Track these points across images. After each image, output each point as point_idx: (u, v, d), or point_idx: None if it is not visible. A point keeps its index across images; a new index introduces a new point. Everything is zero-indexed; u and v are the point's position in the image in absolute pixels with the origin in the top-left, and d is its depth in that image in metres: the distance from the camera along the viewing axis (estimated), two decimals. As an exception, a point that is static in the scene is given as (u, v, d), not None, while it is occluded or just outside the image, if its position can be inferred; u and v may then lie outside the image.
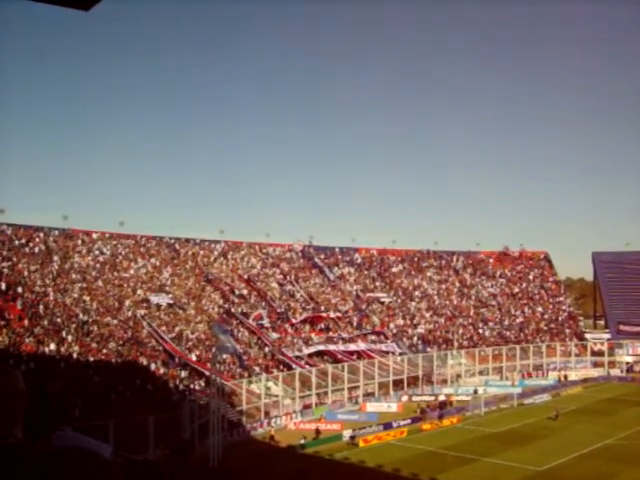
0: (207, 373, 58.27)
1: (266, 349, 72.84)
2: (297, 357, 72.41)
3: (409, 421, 60.40)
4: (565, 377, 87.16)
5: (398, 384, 75.51)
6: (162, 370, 60.41)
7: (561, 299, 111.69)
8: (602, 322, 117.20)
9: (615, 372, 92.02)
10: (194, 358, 64.12)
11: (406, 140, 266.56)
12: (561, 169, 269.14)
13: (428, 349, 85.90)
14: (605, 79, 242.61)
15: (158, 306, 71.89)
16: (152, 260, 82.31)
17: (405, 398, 72.93)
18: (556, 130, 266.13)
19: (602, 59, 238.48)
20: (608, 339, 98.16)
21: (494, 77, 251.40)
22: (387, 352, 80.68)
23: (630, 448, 50.28)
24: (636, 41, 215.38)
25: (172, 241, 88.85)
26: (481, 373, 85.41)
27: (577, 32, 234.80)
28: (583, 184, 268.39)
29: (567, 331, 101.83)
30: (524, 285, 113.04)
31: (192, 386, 59.68)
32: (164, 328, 67.88)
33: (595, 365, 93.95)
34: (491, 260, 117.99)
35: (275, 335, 75.84)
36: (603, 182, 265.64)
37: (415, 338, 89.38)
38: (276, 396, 63.86)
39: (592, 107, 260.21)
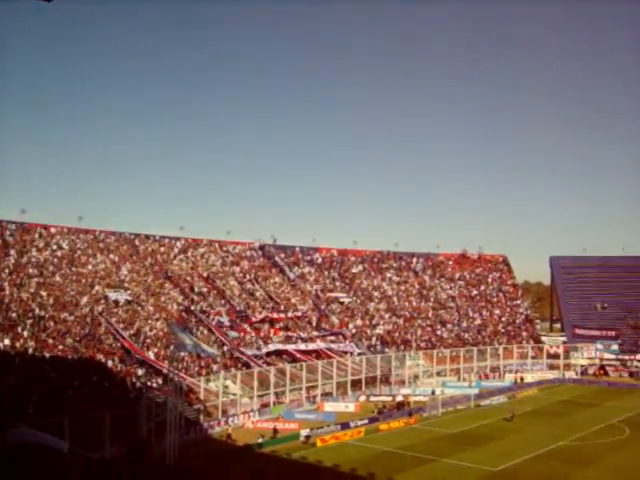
0: (165, 371, 57.80)
1: (225, 347, 72.52)
2: (256, 356, 72.25)
3: (366, 421, 60.59)
4: (521, 379, 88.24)
5: (356, 384, 75.71)
6: (119, 367, 59.81)
7: (518, 302, 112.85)
8: (558, 325, 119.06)
9: (570, 374, 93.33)
10: (152, 355, 63.61)
11: (370, 142, 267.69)
12: (519, 173, 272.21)
13: (386, 350, 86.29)
14: (570, 80, 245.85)
15: (116, 302, 71.13)
16: (111, 256, 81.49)
17: (363, 398, 73.17)
18: (515, 134, 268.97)
19: (569, 63, 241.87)
20: (564, 342, 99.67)
21: (470, 82, 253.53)
22: (346, 352, 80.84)
23: (583, 449, 51.22)
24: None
25: (131, 237, 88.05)
26: (439, 374, 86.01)
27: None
28: (541, 189, 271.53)
29: (524, 334, 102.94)
30: (482, 288, 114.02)
31: (149, 384, 59.17)
32: (122, 325, 67.22)
33: (551, 367, 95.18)
34: (450, 262, 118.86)
35: (234, 334, 75.56)
36: (561, 187, 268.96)
37: (374, 339, 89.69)
38: (234, 395, 63.64)
39: (551, 109, 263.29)
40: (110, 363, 59.45)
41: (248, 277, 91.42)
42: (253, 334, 77.58)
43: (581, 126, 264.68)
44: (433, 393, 74.06)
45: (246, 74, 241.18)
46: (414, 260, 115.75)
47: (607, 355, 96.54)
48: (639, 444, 53.30)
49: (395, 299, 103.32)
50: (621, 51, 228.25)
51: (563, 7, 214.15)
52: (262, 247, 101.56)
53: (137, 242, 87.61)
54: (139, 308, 72.52)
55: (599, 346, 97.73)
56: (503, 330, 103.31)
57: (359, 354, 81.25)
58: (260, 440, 51.65)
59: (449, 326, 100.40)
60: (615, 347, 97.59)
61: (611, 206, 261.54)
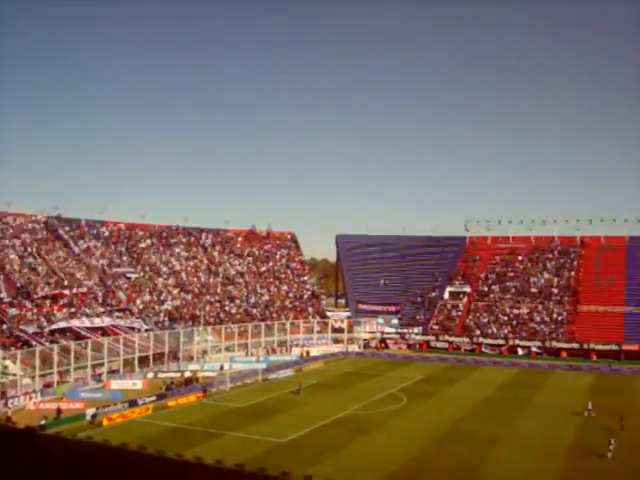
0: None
1: (4, 325, 68.75)
2: (37, 334, 69.11)
3: (154, 398, 59.89)
4: (307, 353, 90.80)
5: (144, 361, 74.57)
6: None
7: (306, 278, 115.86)
8: (343, 301, 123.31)
9: (353, 348, 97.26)
10: None
11: (158, 115, 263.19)
12: (307, 154, 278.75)
13: (175, 325, 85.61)
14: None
15: None
16: None
17: (151, 375, 72.35)
18: (304, 119, 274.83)
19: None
20: (348, 317, 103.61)
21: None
22: (133, 328, 79.21)
23: (364, 418, 53.96)
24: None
25: None
26: (227, 349, 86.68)
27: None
28: (329, 169, 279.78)
29: (310, 309, 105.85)
30: (271, 264, 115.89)
31: None
32: None
33: (335, 341, 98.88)
34: (239, 238, 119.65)
35: (14, 311, 71.82)
36: (348, 168, 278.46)
37: (162, 314, 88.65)
38: (14, 375, 60.63)
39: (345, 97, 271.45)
40: None
41: (30, 251, 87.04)
42: (35, 311, 74.14)
43: (368, 112, 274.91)
44: (221, 368, 74.50)
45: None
46: (203, 236, 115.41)
47: (388, 329, 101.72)
48: (415, 410, 57.40)
49: (184, 275, 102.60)
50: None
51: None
52: (45, 220, 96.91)
53: None
54: None
55: (380, 320, 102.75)
56: (290, 305, 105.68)
57: (147, 330, 79.97)
58: (43, 422, 49.54)
59: (237, 302, 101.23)
60: (395, 321, 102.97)
61: (392, 188, 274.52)
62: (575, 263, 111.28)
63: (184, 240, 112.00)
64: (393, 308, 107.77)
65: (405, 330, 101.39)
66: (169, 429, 49.60)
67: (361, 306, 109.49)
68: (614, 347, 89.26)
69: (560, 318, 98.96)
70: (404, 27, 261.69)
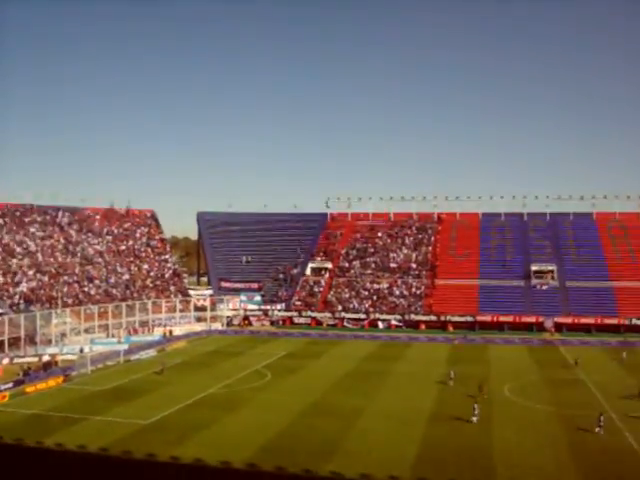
0: None
1: None
2: None
3: (11, 385, 57.64)
4: (170, 332, 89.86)
5: (-2, 346, 71.86)
6: None
7: (167, 257, 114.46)
8: (205, 279, 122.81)
9: (216, 326, 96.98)
10: None
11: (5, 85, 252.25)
12: (168, 129, 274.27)
13: (31, 308, 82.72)
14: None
15: None
16: None
17: (6, 361, 69.77)
18: (156, 94, 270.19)
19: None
20: (210, 295, 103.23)
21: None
22: (-14, 313, 76.16)
23: (229, 396, 54.20)
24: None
25: None
26: (87, 331, 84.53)
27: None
28: (189, 144, 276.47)
29: (172, 288, 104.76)
30: (131, 243, 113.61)
31: None
32: None
33: (199, 320, 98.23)
34: (98, 217, 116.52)
35: None
36: (208, 144, 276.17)
37: (17, 297, 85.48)
38: None
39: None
40: None
41: None
42: None
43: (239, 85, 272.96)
44: (82, 351, 72.60)
45: None
46: (59, 214, 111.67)
47: (251, 306, 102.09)
48: (280, 386, 58.16)
49: (39, 255, 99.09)
50: None
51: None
52: None
53: None
54: None
55: (243, 298, 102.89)
56: (152, 285, 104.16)
57: (1, 314, 76.97)
58: None
59: (97, 282, 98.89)
60: (258, 298, 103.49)
61: (254, 165, 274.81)
62: (432, 239, 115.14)
63: (39, 219, 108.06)
64: (256, 285, 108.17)
65: (268, 307, 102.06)
66: (28, 416, 47.90)
67: (223, 284, 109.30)
68: (469, 318, 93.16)
69: (418, 292, 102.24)
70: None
